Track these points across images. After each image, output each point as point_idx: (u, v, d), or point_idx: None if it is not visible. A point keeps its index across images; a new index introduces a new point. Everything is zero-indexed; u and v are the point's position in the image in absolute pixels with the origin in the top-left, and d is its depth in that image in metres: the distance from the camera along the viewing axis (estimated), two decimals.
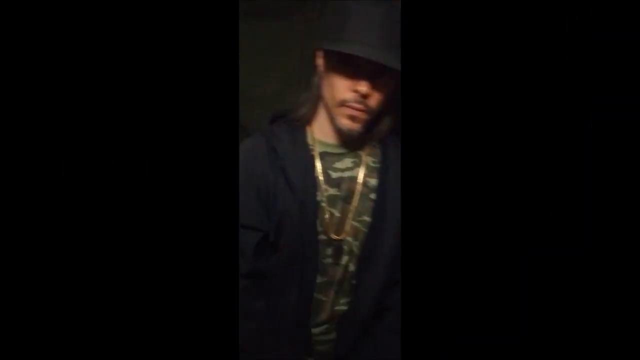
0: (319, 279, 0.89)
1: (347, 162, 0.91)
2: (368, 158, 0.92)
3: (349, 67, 0.82)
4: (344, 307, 0.92)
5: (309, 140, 0.91)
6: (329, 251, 0.89)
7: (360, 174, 0.90)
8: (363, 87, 0.81)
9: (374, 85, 0.82)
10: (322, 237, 0.88)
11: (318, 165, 0.89)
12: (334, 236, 0.88)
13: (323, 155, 0.90)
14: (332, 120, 0.88)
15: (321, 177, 0.88)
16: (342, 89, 0.83)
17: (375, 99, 0.84)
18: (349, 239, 0.89)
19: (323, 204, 0.88)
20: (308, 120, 0.92)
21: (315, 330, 0.92)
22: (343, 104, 0.84)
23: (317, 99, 0.90)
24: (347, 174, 0.90)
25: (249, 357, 0.86)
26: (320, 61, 0.88)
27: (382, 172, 0.91)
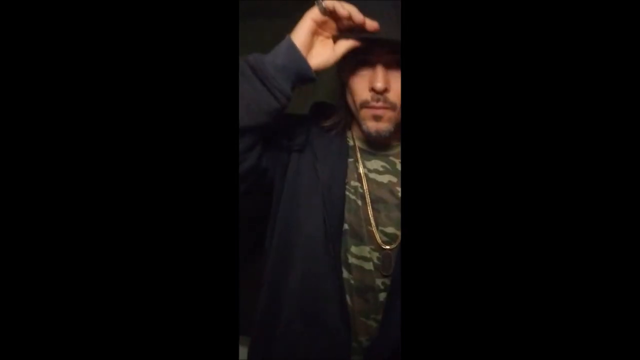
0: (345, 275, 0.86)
1: (376, 163, 0.90)
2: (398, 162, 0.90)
3: (365, 66, 0.83)
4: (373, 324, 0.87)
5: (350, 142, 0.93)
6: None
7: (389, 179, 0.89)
8: (379, 83, 0.81)
9: (392, 79, 0.82)
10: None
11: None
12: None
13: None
14: (360, 126, 0.88)
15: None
16: (360, 90, 0.84)
17: (395, 93, 0.83)
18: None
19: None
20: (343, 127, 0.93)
21: None
22: (364, 105, 0.84)
23: (344, 107, 0.91)
24: (373, 175, 0.90)
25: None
26: (342, 72, 0.88)
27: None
